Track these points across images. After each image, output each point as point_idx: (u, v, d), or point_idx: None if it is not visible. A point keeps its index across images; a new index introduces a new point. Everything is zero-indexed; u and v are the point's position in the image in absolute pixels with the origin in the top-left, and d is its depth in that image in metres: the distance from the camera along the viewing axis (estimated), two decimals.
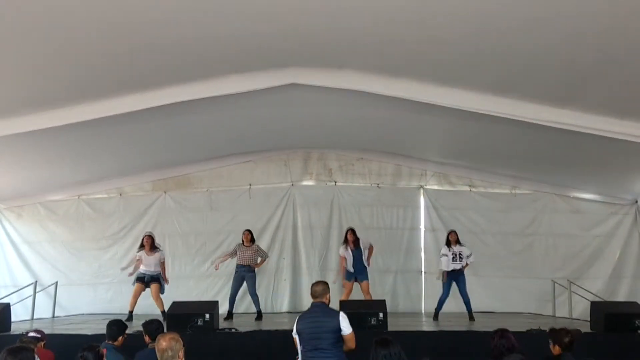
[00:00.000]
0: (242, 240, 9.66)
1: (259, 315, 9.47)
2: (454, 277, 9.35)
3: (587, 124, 7.06)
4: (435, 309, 9.46)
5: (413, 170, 11.68)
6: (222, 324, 8.35)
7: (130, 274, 9.50)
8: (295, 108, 8.38)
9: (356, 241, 9.48)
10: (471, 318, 9.20)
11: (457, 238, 9.48)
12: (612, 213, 11.54)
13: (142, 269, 9.34)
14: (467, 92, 6.95)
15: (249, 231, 9.75)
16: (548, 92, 6.79)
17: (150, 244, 9.40)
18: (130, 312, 9.22)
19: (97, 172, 10.86)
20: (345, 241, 9.59)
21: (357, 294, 9.53)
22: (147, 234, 9.66)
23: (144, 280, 9.29)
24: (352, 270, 9.42)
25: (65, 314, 11.01)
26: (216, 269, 9.99)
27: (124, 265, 10.00)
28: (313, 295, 5.01)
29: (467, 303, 9.30)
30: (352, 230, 9.62)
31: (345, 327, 4.81)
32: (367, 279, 9.44)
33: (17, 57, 5.86)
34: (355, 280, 9.45)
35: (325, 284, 5.13)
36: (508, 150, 9.60)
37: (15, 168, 9.59)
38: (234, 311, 9.51)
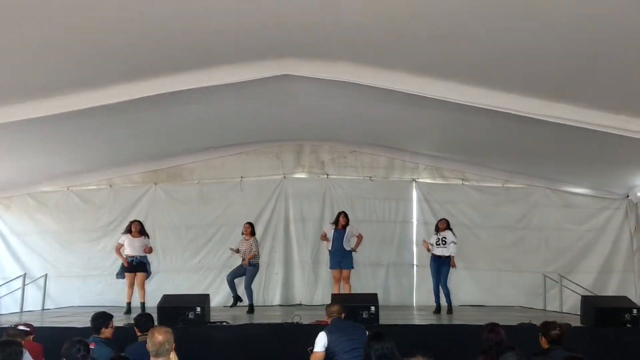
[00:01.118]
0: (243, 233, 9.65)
1: (251, 309, 9.44)
2: (439, 265, 9.34)
3: (580, 118, 7.04)
4: (436, 302, 9.43)
5: (406, 164, 11.65)
6: (220, 315, 8.32)
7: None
8: (287, 100, 8.32)
9: (346, 225, 9.47)
10: (449, 311, 9.20)
11: (447, 226, 9.48)
12: (604, 207, 11.56)
13: (128, 252, 9.19)
14: (460, 85, 6.91)
15: (249, 224, 9.70)
16: (542, 86, 6.76)
17: (138, 229, 9.34)
18: (128, 304, 9.21)
19: (87, 163, 10.75)
20: (336, 222, 9.55)
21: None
22: (136, 220, 9.61)
23: (132, 264, 9.17)
24: (329, 249, 9.46)
25: (55, 306, 10.95)
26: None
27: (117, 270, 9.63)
28: (331, 314, 5.50)
29: (447, 295, 9.30)
30: (345, 214, 9.60)
31: None
32: (351, 267, 9.41)
33: (9, 46, 5.76)
34: (340, 267, 9.43)
35: (340, 304, 5.82)
36: (501, 144, 9.59)
37: (4, 158, 9.49)
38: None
